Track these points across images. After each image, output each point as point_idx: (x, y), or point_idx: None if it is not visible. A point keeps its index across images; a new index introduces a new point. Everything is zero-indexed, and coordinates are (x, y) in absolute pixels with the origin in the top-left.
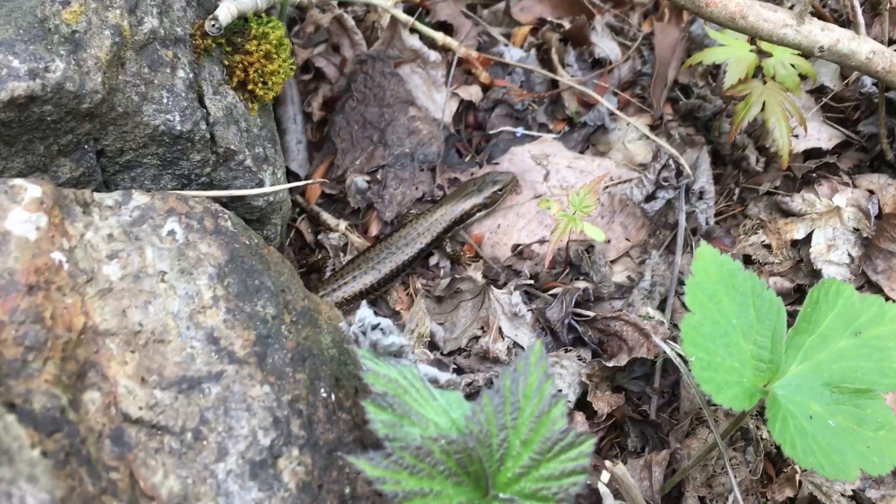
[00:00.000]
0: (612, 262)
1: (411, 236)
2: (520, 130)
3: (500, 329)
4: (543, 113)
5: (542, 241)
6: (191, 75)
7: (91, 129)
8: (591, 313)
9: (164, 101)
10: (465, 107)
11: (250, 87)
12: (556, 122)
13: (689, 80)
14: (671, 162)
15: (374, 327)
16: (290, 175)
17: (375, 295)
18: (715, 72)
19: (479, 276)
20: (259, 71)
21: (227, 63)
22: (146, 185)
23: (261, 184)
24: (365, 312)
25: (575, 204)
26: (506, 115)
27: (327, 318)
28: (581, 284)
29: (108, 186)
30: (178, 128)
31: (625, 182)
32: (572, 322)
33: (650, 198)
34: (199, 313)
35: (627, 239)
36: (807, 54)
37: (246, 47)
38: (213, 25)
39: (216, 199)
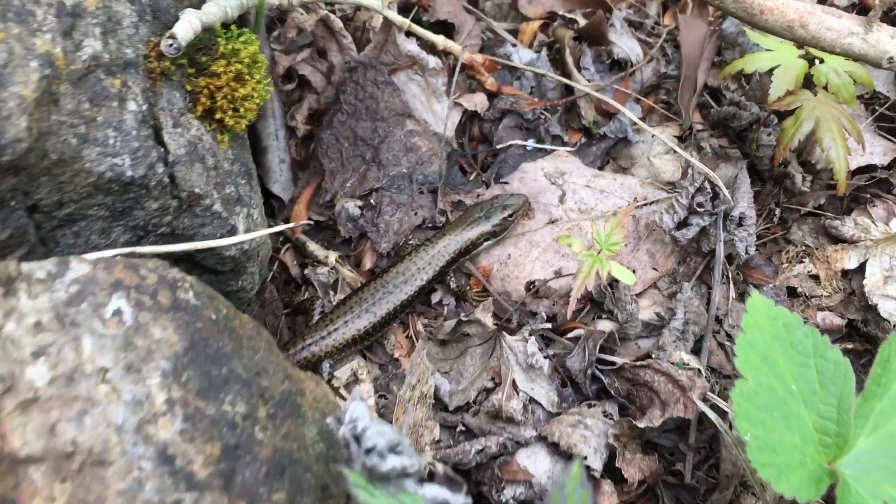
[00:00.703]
0: (638, 295)
1: (410, 271)
2: (531, 143)
3: (513, 383)
4: (557, 123)
5: (559, 274)
6: (144, 107)
7: (18, 184)
8: (617, 359)
9: (111, 141)
10: (469, 118)
11: (218, 115)
12: (571, 133)
13: (720, 84)
14: (706, 184)
15: (370, 451)
16: (272, 199)
17: (371, 341)
18: (750, 73)
19: (488, 320)
20: (229, 96)
21: (190, 88)
22: (93, 240)
23: (232, 231)
24: (356, 410)
25: (600, 241)
26: (515, 127)
27: (313, 399)
28: (605, 326)
29: (46, 244)
30: (130, 173)
31: (651, 204)
32: (596, 372)
33: (682, 224)
34: (150, 423)
35: (655, 268)
36: (871, 65)
37: (212, 68)
38: (171, 45)
39: (178, 256)
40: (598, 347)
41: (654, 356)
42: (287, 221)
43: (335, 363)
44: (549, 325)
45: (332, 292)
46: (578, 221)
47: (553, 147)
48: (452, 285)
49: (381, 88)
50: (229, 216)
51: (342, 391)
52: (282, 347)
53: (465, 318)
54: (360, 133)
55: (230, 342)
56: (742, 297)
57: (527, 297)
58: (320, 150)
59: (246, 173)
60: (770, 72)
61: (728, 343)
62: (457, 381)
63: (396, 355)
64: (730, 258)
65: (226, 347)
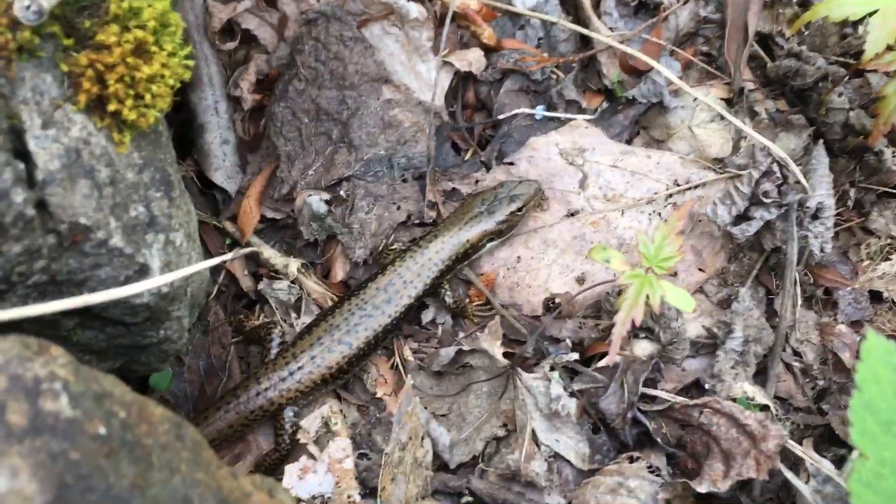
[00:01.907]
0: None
1: (395, 286)
2: (540, 111)
3: (533, 434)
4: (572, 85)
5: (581, 282)
6: None
7: None
8: (661, 394)
9: None
10: (462, 81)
11: (113, 106)
12: (590, 97)
13: (773, 29)
14: (774, 166)
15: None
16: (214, 190)
17: (346, 378)
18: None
19: (497, 351)
20: (126, 78)
21: (67, 69)
22: None
23: (143, 270)
24: None
25: (650, 256)
26: (520, 90)
27: None
28: (644, 348)
29: None
30: None
31: (696, 188)
32: (638, 415)
33: (742, 218)
34: None
35: (701, 269)
36: None
37: (100, 38)
38: (29, 7)
39: (61, 315)
40: (640, 383)
41: (707, 385)
42: (234, 219)
43: (301, 409)
44: (575, 356)
45: (293, 314)
46: (605, 213)
47: (568, 115)
48: (448, 300)
49: (349, 46)
50: (136, 251)
51: (311, 447)
52: (231, 392)
53: (467, 348)
54: (323, 105)
55: (131, 467)
56: (811, 302)
57: (545, 317)
58: (273, 127)
59: (163, 182)
60: (860, 21)
61: (796, 363)
62: (458, 426)
63: (379, 393)
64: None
65: (122, 481)
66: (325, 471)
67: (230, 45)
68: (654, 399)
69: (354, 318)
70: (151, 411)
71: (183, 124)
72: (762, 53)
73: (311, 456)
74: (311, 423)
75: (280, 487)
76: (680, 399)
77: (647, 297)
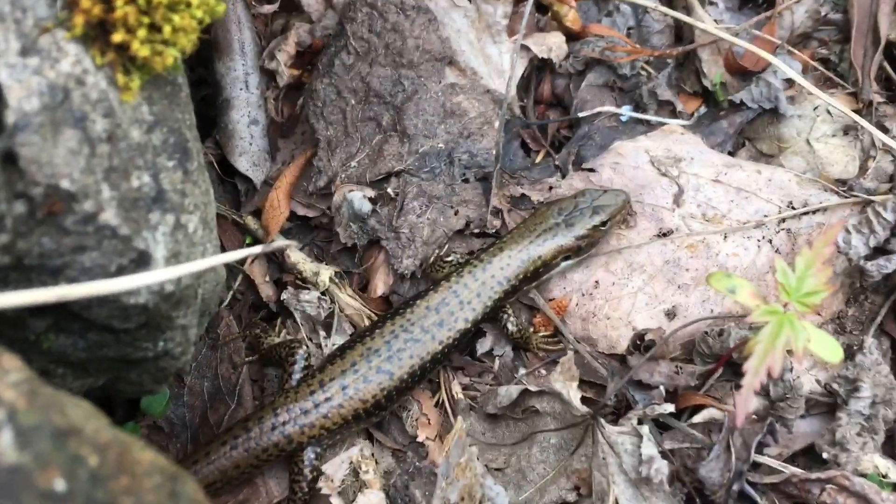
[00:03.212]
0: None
1: (449, 305)
2: (627, 111)
3: (616, 501)
4: (666, 84)
5: (670, 315)
6: None
7: None
8: (776, 464)
9: None
10: (536, 70)
11: (119, 37)
12: (685, 100)
13: None
14: None
15: None
16: (236, 178)
17: (382, 416)
18: None
19: (574, 396)
20: (141, 1)
21: None
22: None
23: (143, 259)
24: None
25: (790, 289)
26: (604, 86)
27: None
28: (753, 404)
29: None
30: None
31: (815, 213)
32: (747, 488)
33: (880, 251)
34: None
35: (817, 311)
36: None
37: None
38: None
39: (27, 313)
40: (753, 448)
41: (826, 455)
42: (258, 214)
43: (324, 451)
44: (671, 408)
45: (322, 332)
46: (704, 235)
47: (660, 119)
48: (511, 327)
49: (410, 17)
50: (135, 233)
51: (334, 500)
52: (241, 423)
53: (534, 388)
54: (374, 84)
55: None
56: None
57: (633, 356)
58: (312, 107)
59: (177, 149)
60: None
61: None
62: (516, 485)
63: (421, 437)
64: None
65: None
66: None
67: (269, 8)
68: (759, 466)
69: (398, 343)
70: (136, 457)
71: (204, 101)
72: (886, 65)
73: None
74: (336, 468)
75: None
76: (798, 471)
77: (789, 340)
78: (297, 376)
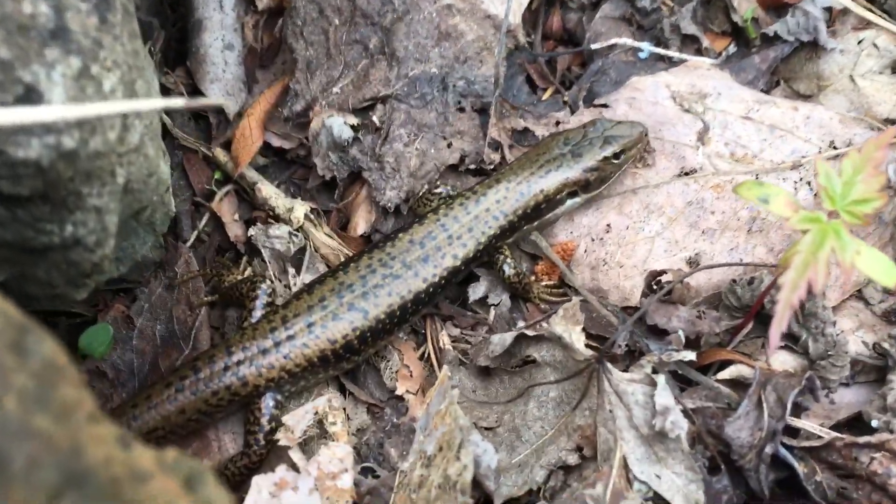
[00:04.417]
0: (834, 308)
1: (436, 239)
2: (647, 46)
3: (623, 463)
4: (690, 18)
5: (693, 264)
6: None
7: None
8: (810, 426)
9: None
10: (546, 3)
11: None
12: (713, 38)
13: None
14: None
15: None
16: (209, 112)
17: (355, 362)
18: None
19: (577, 339)
20: None
21: None
22: None
23: (29, 98)
24: None
25: (834, 196)
26: (620, 19)
27: None
28: (785, 362)
29: None
30: None
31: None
32: (782, 451)
33: None
34: None
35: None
36: None
37: None
38: None
39: None
40: (789, 406)
41: (876, 423)
42: (229, 145)
43: (286, 399)
44: (691, 355)
45: (291, 271)
46: (733, 175)
47: (683, 56)
48: (508, 270)
49: None
50: (19, 61)
51: (294, 454)
52: (189, 364)
53: (531, 333)
54: (361, 4)
55: None
56: None
57: (650, 298)
58: (292, 27)
59: None
60: None
61: None
62: (510, 446)
63: (401, 390)
64: None
65: None
66: (311, 488)
67: None
68: (797, 433)
69: (375, 278)
70: None
71: (178, 25)
72: None
73: (294, 466)
74: (298, 419)
75: (210, 479)
76: (843, 436)
77: (833, 252)
78: (258, 313)
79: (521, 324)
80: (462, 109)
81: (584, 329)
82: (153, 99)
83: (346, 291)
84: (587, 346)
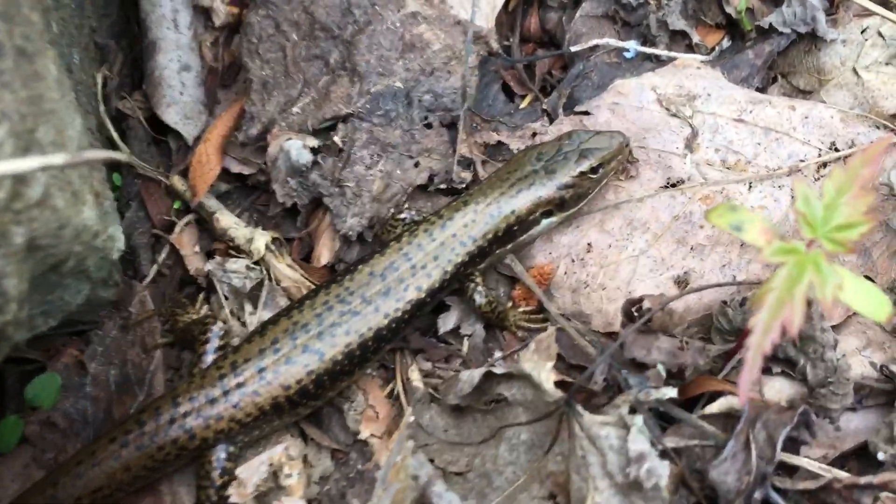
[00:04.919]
0: (836, 327)
1: (399, 270)
2: (633, 46)
3: None
4: (679, 12)
5: (681, 283)
6: None
7: None
8: (812, 465)
9: None
10: (524, 4)
11: None
12: (705, 33)
13: None
14: None
15: None
16: (168, 135)
17: (314, 406)
18: None
19: (545, 376)
20: None
21: None
22: None
23: None
24: None
25: (814, 221)
26: (604, 17)
27: None
28: (781, 390)
29: None
30: None
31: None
32: (772, 496)
33: None
34: None
35: (869, 276)
36: None
37: None
38: None
39: None
40: (779, 445)
41: (882, 456)
42: (185, 173)
43: (238, 450)
44: (672, 392)
45: (249, 307)
46: (724, 185)
47: (672, 54)
48: (479, 299)
49: None
50: None
51: None
52: (134, 417)
53: (500, 371)
54: (320, 16)
55: None
56: None
57: (627, 329)
58: (247, 45)
59: None
60: None
61: None
62: (480, 493)
63: (365, 434)
64: None
65: None
66: None
67: None
68: (795, 471)
69: (332, 316)
70: None
71: (138, 47)
72: None
73: None
74: (251, 471)
75: None
76: (842, 475)
77: (813, 288)
78: (208, 358)
79: (497, 354)
80: (429, 125)
81: (564, 360)
82: (28, 158)
83: (301, 332)
84: (562, 382)
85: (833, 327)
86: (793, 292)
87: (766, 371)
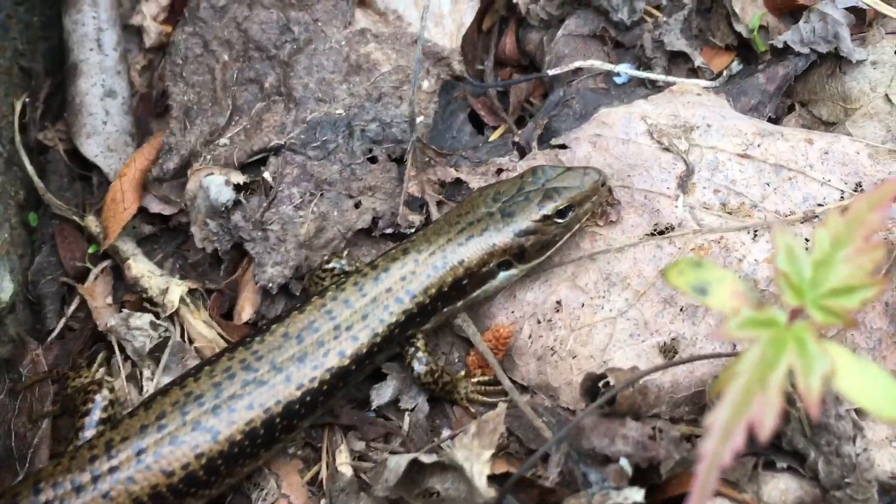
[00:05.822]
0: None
1: (319, 332)
2: (625, 70)
3: None
4: (680, 31)
5: (668, 352)
6: None
7: None
8: None
9: None
10: (502, 21)
11: None
12: (711, 55)
13: None
14: None
15: None
16: (91, 171)
17: (207, 496)
18: None
19: (478, 471)
20: None
21: None
22: None
23: None
24: None
25: (799, 283)
26: (590, 37)
27: None
28: (786, 490)
29: None
30: None
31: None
32: None
33: None
34: None
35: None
36: None
37: None
38: None
39: None
40: None
41: None
42: (100, 211)
43: None
44: (638, 496)
45: (146, 371)
46: (723, 233)
47: (671, 78)
48: (418, 368)
49: None
50: None
51: None
52: None
53: (427, 460)
54: (254, 34)
55: None
56: None
57: (583, 412)
58: (171, 67)
59: None
60: None
61: None
62: None
63: None
64: None
65: None
66: None
67: None
68: None
69: (232, 386)
70: None
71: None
72: None
73: None
74: None
75: None
76: None
77: (792, 373)
78: (87, 433)
79: (445, 432)
80: (373, 160)
81: (519, 441)
82: None
83: (193, 405)
84: (503, 474)
85: (857, 410)
86: (765, 380)
87: (769, 466)
